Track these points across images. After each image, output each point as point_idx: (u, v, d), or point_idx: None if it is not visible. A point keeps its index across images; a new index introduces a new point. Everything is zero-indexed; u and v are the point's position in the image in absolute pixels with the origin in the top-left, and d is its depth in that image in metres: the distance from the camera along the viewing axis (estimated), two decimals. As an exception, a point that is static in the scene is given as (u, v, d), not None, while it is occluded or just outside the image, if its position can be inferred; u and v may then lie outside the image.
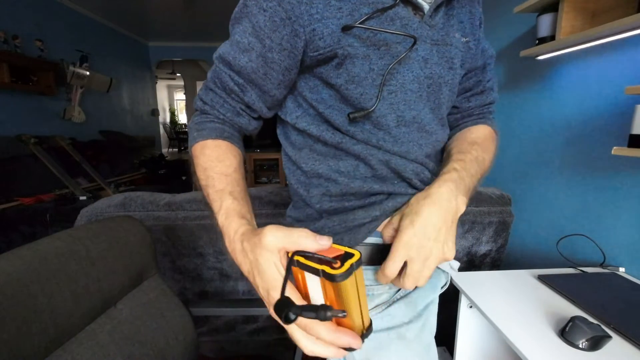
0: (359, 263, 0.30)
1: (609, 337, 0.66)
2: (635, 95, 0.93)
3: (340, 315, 0.29)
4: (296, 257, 0.31)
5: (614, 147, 0.87)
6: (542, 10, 1.22)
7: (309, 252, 0.31)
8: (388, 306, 0.51)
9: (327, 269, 0.28)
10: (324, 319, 0.28)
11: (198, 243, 1.10)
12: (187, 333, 0.80)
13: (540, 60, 1.38)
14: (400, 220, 0.46)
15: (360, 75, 0.45)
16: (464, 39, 0.53)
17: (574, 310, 0.80)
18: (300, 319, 0.30)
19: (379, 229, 0.51)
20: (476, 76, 0.60)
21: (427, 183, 0.52)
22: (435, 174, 0.54)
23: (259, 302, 0.94)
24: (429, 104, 0.51)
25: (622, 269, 1.01)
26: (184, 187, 3.84)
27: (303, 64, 0.48)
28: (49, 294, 0.54)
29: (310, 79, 0.50)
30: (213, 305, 0.90)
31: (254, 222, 0.43)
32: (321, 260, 0.30)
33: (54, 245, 0.60)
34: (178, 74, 6.73)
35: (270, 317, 1.19)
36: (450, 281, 0.66)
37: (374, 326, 0.38)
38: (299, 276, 0.32)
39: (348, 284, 0.29)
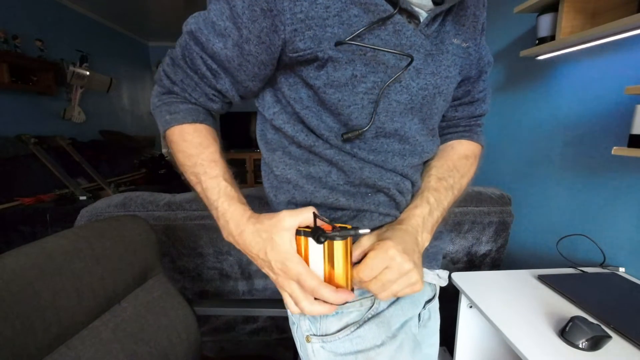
0: (351, 231, 0.38)
1: (609, 337, 0.66)
2: (635, 95, 0.93)
3: (360, 232, 0.38)
4: (303, 229, 0.40)
5: (614, 147, 0.87)
6: (542, 10, 1.22)
7: (306, 227, 0.40)
8: (358, 327, 0.48)
9: (330, 232, 0.38)
10: (346, 237, 0.38)
11: (198, 243, 1.10)
12: (190, 332, 0.80)
13: (540, 60, 1.38)
14: (379, 236, 0.45)
15: (341, 80, 0.43)
16: (464, 44, 0.50)
17: (574, 310, 0.80)
18: (309, 287, 0.39)
19: None
20: (466, 86, 0.57)
21: (405, 194, 0.52)
22: (416, 187, 0.54)
23: (261, 302, 0.95)
24: (420, 115, 0.49)
25: (622, 269, 1.01)
26: (184, 187, 3.81)
27: (282, 62, 0.45)
28: (54, 291, 0.54)
29: (290, 76, 0.47)
30: (217, 305, 0.91)
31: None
32: (326, 228, 0.39)
33: (59, 243, 0.60)
34: (178, 74, 6.72)
35: (270, 317, 1.20)
36: (450, 281, 0.66)
37: (343, 349, 0.48)
38: (302, 248, 0.40)
39: (342, 247, 0.38)
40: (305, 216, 0.40)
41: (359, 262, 0.42)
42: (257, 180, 4.95)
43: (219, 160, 0.48)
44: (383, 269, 0.39)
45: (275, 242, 0.40)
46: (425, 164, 0.58)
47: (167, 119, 0.49)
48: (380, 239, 0.43)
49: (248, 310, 0.90)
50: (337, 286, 0.40)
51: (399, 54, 0.42)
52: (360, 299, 0.49)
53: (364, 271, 0.40)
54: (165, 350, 0.72)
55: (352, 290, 0.41)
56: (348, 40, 0.40)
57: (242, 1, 0.40)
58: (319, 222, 0.40)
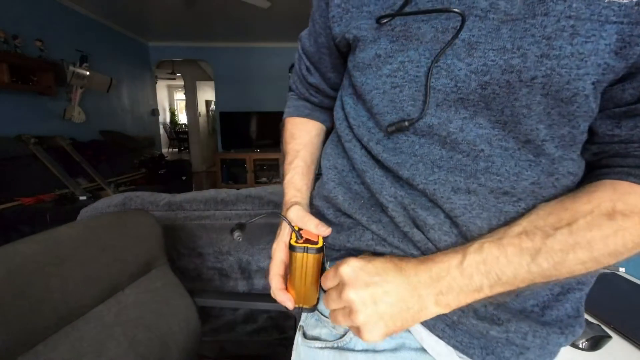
0: (316, 250, 0.38)
1: (609, 337, 0.66)
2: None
3: (238, 238, 0.41)
4: (296, 226, 0.41)
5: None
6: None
7: (298, 230, 0.40)
8: (321, 348, 0.44)
9: (292, 241, 0.39)
10: (233, 236, 0.42)
11: (198, 243, 1.10)
12: (190, 321, 0.83)
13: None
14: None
15: (365, 61, 0.37)
16: None
17: (574, 310, 0.80)
18: (272, 283, 0.43)
19: None
20: None
21: (425, 229, 0.37)
22: (465, 230, 0.35)
23: (261, 297, 0.96)
24: (488, 113, 0.33)
25: (622, 269, 1.01)
26: (184, 187, 3.84)
27: (341, 52, 0.46)
28: (61, 276, 0.59)
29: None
30: (217, 297, 0.94)
31: (307, 193, 0.50)
32: (296, 235, 0.39)
33: (68, 232, 0.65)
34: (178, 74, 6.73)
35: (270, 317, 1.20)
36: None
37: (304, 355, 0.46)
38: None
39: (299, 259, 0.38)
40: (305, 222, 0.41)
41: None
42: (257, 180, 4.95)
43: (300, 150, 0.53)
44: (336, 285, 0.35)
45: (281, 227, 0.45)
46: None
47: (285, 112, 0.59)
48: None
49: (248, 303, 0.93)
50: (287, 288, 0.42)
51: (444, 10, 0.30)
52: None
53: (323, 277, 0.38)
54: (164, 336, 0.75)
55: (315, 305, 0.41)
56: (380, 16, 0.35)
57: (316, 0, 0.44)
58: (306, 233, 0.40)
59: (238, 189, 1.20)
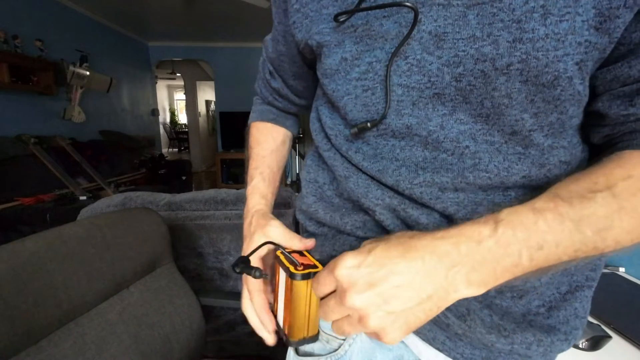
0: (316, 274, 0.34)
1: (609, 337, 0.66)
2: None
3: (264, 276, 0.36)
4: (278, 253, 0.37)
5: (614, 147, 0.87)
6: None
7: (289, 253, 0.37)
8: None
9: (292, 268, 0.34)
10: (253, 276, 0.36)
11: (198, 243, 1.10)
12: (193, 321, 0.83)
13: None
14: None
15: (332, 67, 0.35)
16: None
17: (574, 310, 0.80)
18: (254, 301, 0.40)
19: None
20: None
21: (412, 227, 0.35)
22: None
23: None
24: (467, 107, 0.31)
25: (622, 269, 1.01)
26: (184, 187, 3.84)
27: (308, 60, 0.45)
28: (66, 273, 0.60)
29: None
30: (218, 296, 0.94)
31: (272, 201, 0.49)
32: (292, 262, 0.35)
33: (74, 230, 0.66)
34: (178, 74, 6.73)
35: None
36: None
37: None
38: (278, 271, 0.38)
39: (302, 288, 0.33)
40: (287, 240, 0.38)
41: None
42: (257, 180, 4.95)
43: (266, 156, 0.52)
44: (332, 291, 0.30)
45: (253, 241, 0.40)
46: None
47: (250, 116, 0.58)
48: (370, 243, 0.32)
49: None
50: (286, 319, 0.36)
51: (394, 4, 0.29)
52: (329, 335, 0.42)
53: (314, 285, 0.32)
54: (168, 335, 0.75)
55: (318, 332, 0.36)
56: (337, 14, 0.32)
57: (274, 5, 0.43)
58: (296, 256, 0.36)
59: (238, 189, 1.20)
